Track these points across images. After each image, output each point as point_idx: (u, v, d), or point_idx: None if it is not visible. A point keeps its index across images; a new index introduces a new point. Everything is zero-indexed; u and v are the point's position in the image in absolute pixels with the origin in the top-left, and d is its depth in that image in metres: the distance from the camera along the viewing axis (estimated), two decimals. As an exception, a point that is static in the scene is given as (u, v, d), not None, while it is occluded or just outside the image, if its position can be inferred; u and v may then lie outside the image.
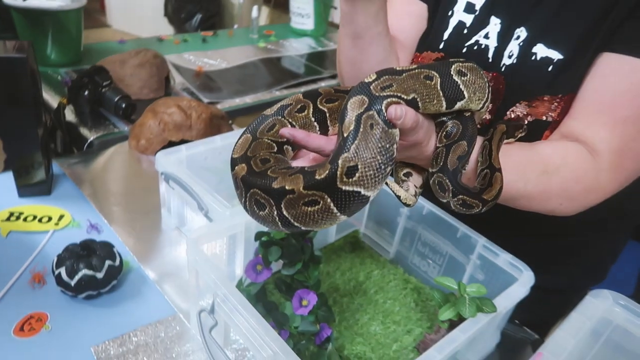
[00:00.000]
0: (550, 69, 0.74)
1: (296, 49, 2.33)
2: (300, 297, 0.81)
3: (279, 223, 0.52)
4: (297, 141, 0.55)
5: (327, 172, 0.48)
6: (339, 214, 0.50)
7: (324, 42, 2.46)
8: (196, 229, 0.80)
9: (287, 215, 0.51)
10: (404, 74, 0.54)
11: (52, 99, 1.56)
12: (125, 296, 0.90)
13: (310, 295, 0.80)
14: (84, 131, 1.41)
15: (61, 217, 1.05)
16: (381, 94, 0.52)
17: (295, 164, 0.59)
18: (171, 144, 1.31)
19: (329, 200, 0.49)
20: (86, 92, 1.41)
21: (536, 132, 0.77)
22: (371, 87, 0.52)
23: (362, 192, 0.49)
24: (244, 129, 0.64)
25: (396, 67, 0.55)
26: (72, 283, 0.84)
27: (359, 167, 0.48)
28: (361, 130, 0.49)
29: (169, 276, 0.96)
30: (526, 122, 0.78)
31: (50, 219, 1.04)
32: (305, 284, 0.84)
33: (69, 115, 1.47)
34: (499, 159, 0.63)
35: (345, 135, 0.49)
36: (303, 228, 0.52)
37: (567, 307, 1.11)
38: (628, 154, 0.69)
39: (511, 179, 0.66)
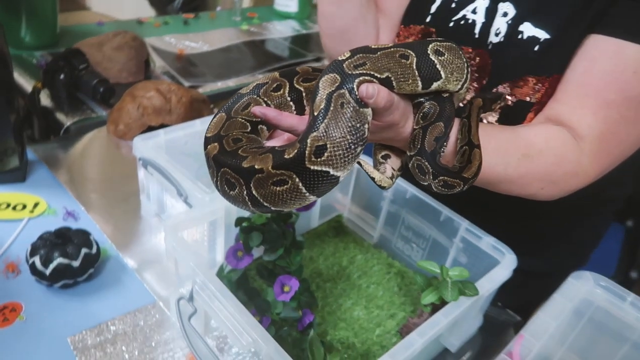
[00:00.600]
0: (536, 48, 0.72)
1: (280, 31, 2.29)
2: (282, 283, 0.79)
3: (249, 203, 0.52)
4: (269, 120, 0.54)
5: (295, 151, 0.47)
6: (307, 194, 0.49)
7: (308, 25, 2.42)
8: (174, 215, 0.78)
9: (256, 195, 0.50)
10: (378, 52, 0.53)
11: (27, 83, 1.52)
12: (103, 285, 0.88)
13: (292, 281, 0.79)
14: (61, 116, 1.37)
15: (36, 204, 1.02)
16: (353, 72, 0.50)
17: (269, 144, 0.58)
18: (151, 128, 1.27)
19: (297, 180, 0.48)
20: (62, 76, 1.37)
21: (519, 113, 0.76)
22: (344, 65, 0.51)
23: (331, 172, 0.48)
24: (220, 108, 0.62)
25: (372, 45, 0.54)
26: (47, 272, 0.82)
27: (328, 146, 0.47)
28: (331, 109, 0.48)
29: (148, 264, 0.94)
30: (510, 103, 0.76)
31: (24, 206, 1.01)
32: (287, 270, 0.82)
33: (45, 100, 1.43)
34: (478, 135, 0.61)
35: (315, 114, 0.48)
36: (273, 208, 0.51)
37: (550, 290, 1.12)
38: (611, 138, 0.68)
39: (491, 162, 0.65)
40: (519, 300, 0.96)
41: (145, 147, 0.97)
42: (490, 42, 0.77)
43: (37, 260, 0.82)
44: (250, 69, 1.87)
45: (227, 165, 0.52)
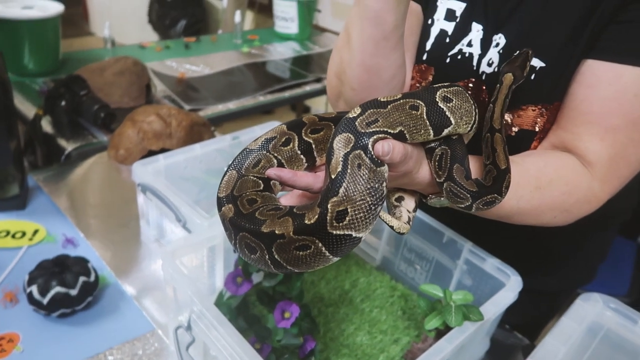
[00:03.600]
0: (533, 77, 0.71)
1: (281, 53, 2.30)
2: (283, 309, 0.78)
3: (272, 266, 0.52)
4: (284, 182, 0.54)
5: (316, 216, 0.47)
6: (331, 256, 0.49)
7: (309, 46, 2.44)
8: (172, 242, 0.77)
9: (279, 259, 0.50)
10: (389, 106, 0.52)
11: (29, 110, 1.52)
12: (102, 313, 0.86)
13: (293, 307, 0.77)
14: (62, 142, 1.38)
15: (35, 232, 1.01)
16: (367, 131, 0.50)
17: (284, 200, 0.58)
18: (152, 153, 1.27)
19: (320, 244, 0.48)
20: (63, 102, 1.37)
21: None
22: (356, 123, 0.50)
23: (354, 234, 0.48)
24: (229, 164, 0.61)
25: (380, 99, 0.53)
26: (45, 301, 0.81)
27: (349, 210, 0.47)
28: (348, 171, 0.48)
29: (148, 290, 0.93)
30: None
31: (24, 234, 1.00)
32: (287, 296, 0.81)
33: (47, 126, 1.44)
34: (500, 119, 0.62)
35: (332, 176, 0.48)
36: (296, 270, 0.51)
37: (557, 308, 1.09)
38: (620, 162, 0.68)
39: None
40: (525, 319, 0.93)
41: (145, 172, 0.96)
42: (483, 72, 0.76)
43: (34, 289, 0.81)
44: (252, 91, 1.87)
45: (245, 230, 0.52)
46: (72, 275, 0.84)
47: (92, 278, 0.86)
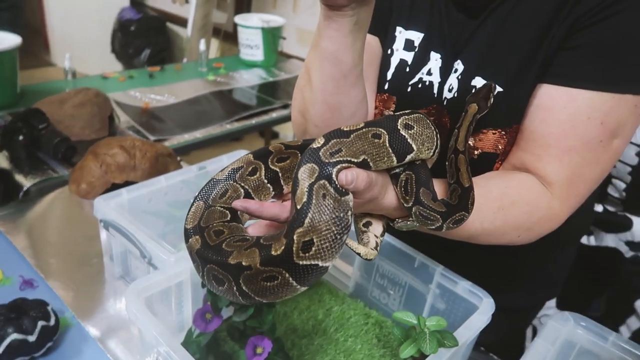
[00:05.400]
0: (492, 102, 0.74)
1: (247, 80, 2.30)
2: (254, 344, 0.75)
3: (240, 297, 0.52)
4: (251, 213, 0.54)
5: (282, 247, 0.48)
6: (298, 286, 0.50)
7: (275, 72, 2.45)
8: (136, 280, 0.74)
9: (246, 290, 0.51)
10: (352, 135, 0.53)
11: (-16, 146, 1.47)
12: (63, 359, 0.82)
13: (265, 342, 0.75)
14: (20, 178, 1.33)
15: (-10, 274, 0.96)
16: (331, 161, 0.51)
17: (251, 229, 0.58)
18: (115, 186, 1.24)
19: (287, 275, 0.49)
20: (21, 137, 1.33)
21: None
22: (320, 154, 0.51)
23: (320, 264, 0.49)
24: (196, 195, 0.60)
25: (343, 128, 0.54)
26: (0, 350, 0.76)
27: (315, 240, 0.48)
28: (313, 202, 0.48)
29: (113, 331, 0.89)
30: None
31: (-22, 278, 0.95)
32: (259, 330, 0.78)
33: (3, 162, 1.38)
34: (464, 142, 0.63)
35: (298, 207, 0.49)
36: (264, 301, 0.51)
37: (527, 324, 1.11)
38: (577, 181, 0.70)
39: (468, 219, 0.64)
40: (498, 337, 0.94)
41: (107, 207, 0.93)
42: (445, 98, 0.78)
43: (-12, 338, 0.77)
44: (219, 119, 1.86)
45: (212, 262, 0.52)
46: (29, 320, 0.79)
47: (52, 322, 0.82)
